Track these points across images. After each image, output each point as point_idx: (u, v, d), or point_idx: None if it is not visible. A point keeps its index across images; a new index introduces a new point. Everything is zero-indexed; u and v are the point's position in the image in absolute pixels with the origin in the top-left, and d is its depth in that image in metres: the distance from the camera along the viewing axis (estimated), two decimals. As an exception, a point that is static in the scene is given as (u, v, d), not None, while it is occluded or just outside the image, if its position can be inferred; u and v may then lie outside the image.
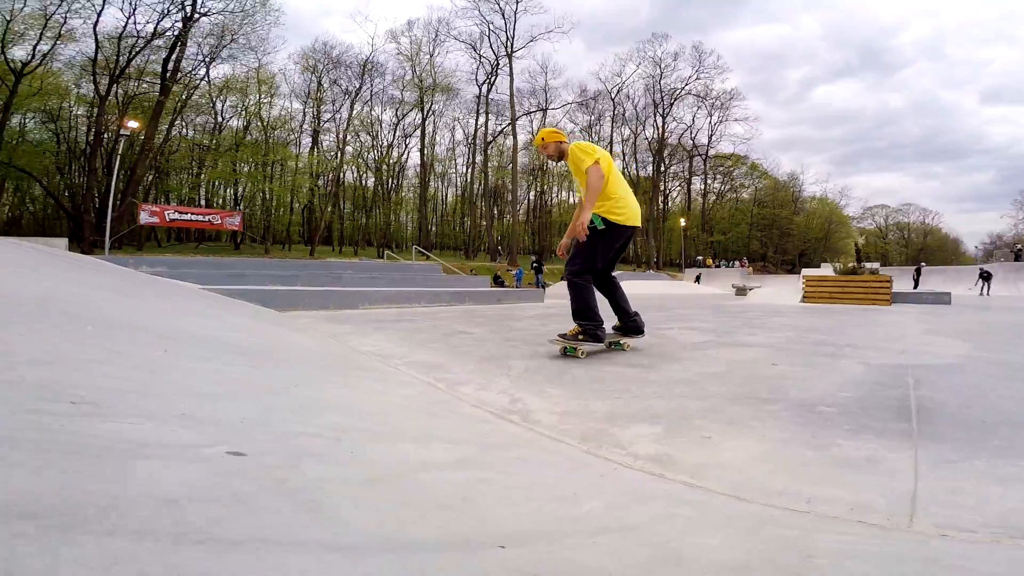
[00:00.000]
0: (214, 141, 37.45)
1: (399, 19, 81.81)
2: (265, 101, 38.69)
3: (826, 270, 26.24)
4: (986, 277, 21.78)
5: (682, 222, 49.63)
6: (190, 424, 0.87)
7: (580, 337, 3.09)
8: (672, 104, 51.84)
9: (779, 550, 0.80)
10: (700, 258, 44.28)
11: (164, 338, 1.79)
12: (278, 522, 0.60)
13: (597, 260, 3.23)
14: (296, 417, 1.15)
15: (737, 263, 40.03)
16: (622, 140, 54.39)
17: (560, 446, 1.44)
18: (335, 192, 41.11)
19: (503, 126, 45.30)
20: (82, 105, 33.31)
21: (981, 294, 20.41)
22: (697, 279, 31.57)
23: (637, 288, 25.67)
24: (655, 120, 52.55)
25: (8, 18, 27.48)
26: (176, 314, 2.70)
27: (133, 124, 25.32)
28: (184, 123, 37.35)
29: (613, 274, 3.54)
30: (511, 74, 42.74)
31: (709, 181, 57.68)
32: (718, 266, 43.23)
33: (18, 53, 28.89)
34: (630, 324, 3.47)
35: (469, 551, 0.64)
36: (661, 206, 54.88)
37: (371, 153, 44.44)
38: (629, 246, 3.75)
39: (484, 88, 44.36)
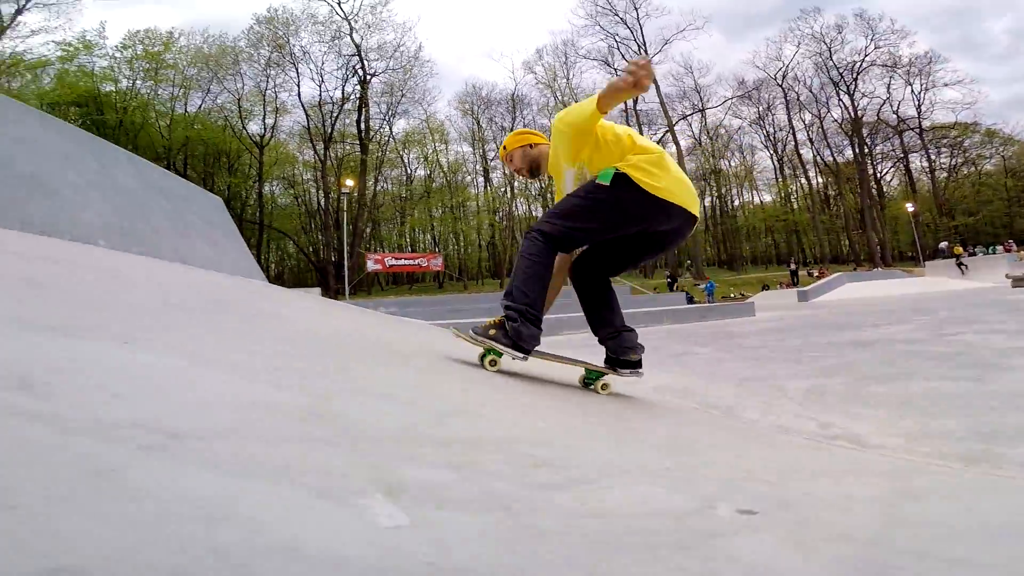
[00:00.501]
0: (407, 191, 43.44)
1: (529, 49, 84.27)
2: (440, 148, 43.85)
3: None
4: None
5: (909, 207, 41.34)
6: (655, 480, 0.84)
7: (491, 332, 1.90)
8: (856, 79, 44.26)
9: None
10: (944, 245, 36.02)
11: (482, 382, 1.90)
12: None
13: (586, 233, 1.99)
14: (668, 455, 1.12)
15: (1001, 248, 31.73)
16: (805, 126, 47.97)
17: (947, 470, 1.18)
18: (510, 226, 43.87)
19: (660, 134, 43.51)
20: (308, 170, 41.71)
21: None
22: (960, 265, 25.69)
23: (863, 292, 21.62)
24: (839, 99, 45.35)
25: (238, 96, 36.15)
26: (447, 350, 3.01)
27: (349, 183, 30.52)
28: (384, 178, 44.05)
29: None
30: (655, 81, 41.12)
31: (932, 157, 47.31)
32: (972, 254, 34.72)
33: (253, 128, 37.97)
34: (618, 345, 2.07)
35: None
36: (875, 192, 46.58)
37: (535, 184, 46.51)
38: (684, 246, 2.28)
39: (629, 101, 43.41)
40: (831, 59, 44.49)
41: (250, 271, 6.41)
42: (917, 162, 47.98)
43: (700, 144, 47.72)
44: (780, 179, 50.25)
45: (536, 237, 1.94)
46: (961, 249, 37.55)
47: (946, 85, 43.46)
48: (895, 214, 45.81)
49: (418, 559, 0.45)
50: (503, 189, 44.66)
